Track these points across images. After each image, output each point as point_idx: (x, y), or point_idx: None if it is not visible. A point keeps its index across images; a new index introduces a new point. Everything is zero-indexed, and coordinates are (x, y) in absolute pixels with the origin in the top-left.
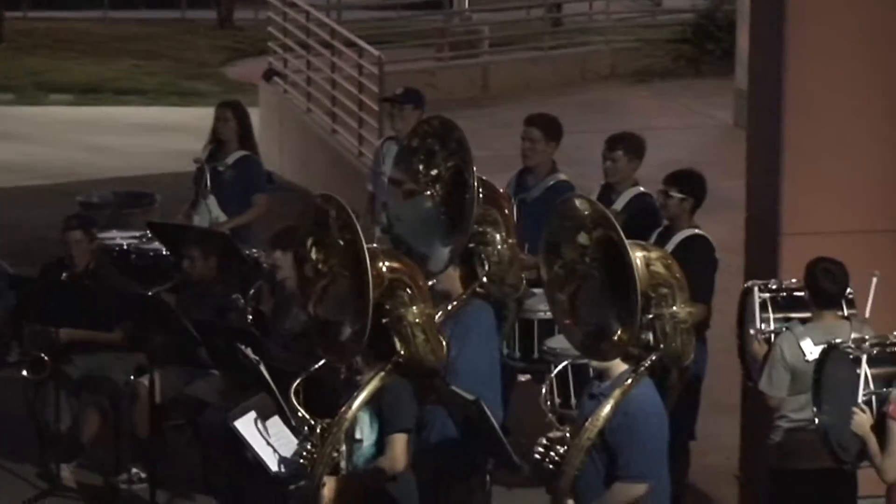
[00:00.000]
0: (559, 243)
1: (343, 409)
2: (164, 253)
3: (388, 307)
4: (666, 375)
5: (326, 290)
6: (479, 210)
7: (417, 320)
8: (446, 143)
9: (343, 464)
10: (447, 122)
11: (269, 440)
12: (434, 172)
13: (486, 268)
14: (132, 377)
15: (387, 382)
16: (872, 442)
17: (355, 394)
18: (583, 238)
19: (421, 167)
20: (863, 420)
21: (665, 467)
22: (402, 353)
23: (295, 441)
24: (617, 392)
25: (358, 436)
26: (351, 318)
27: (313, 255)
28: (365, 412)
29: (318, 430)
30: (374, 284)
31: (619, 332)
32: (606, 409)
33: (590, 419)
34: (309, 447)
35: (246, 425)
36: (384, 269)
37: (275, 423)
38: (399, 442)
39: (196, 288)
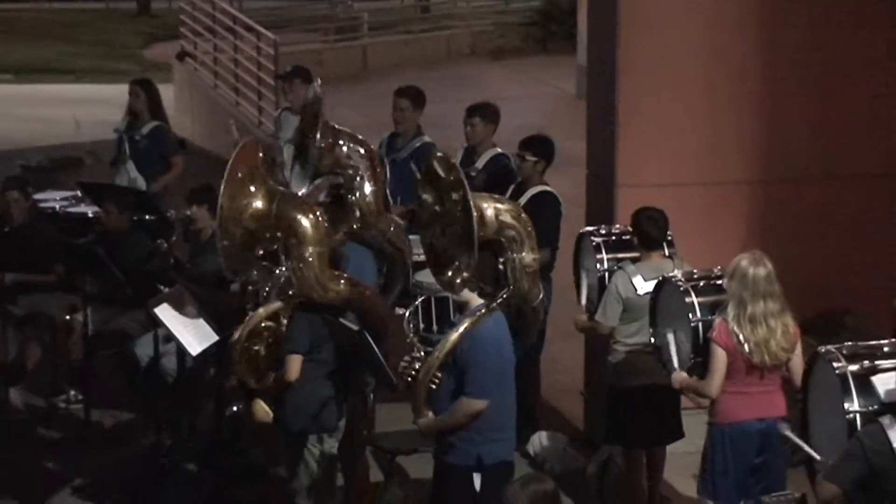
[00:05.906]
0: (431, 194)
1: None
2: (88, 216)
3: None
4: (521, 314)
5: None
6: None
7: (311, 259)
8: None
9: None
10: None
11: (185, 325)
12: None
13: (357, 215)
14: (67, 315)
15: (291, 310)
16: (691, 384)
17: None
18: (449, 194)
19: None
20: (677, 378)
21: (507, 386)
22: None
23: (208, 327)
24: (467, 321)
25: None
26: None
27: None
28: None
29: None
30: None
31: (462, 268)
32: (455, 334)
33: (441, 341)
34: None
35: (164, 311)
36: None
37: (189, 311)
38: (291, 361)
39: (112, 237)
